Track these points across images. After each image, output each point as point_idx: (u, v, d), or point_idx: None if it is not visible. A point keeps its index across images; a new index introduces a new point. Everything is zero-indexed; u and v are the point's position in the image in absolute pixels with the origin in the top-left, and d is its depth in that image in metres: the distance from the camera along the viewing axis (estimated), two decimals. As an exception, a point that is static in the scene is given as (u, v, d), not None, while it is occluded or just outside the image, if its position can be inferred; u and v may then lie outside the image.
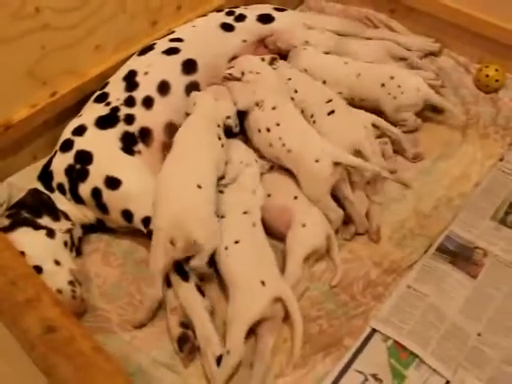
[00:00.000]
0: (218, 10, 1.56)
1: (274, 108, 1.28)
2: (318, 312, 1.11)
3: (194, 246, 1.04)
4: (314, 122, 1.33)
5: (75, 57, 1.34)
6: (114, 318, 1.13)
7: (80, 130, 1.24)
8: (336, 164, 1.17)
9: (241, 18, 1.52)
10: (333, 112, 1.32)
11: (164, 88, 1.30)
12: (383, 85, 1.41)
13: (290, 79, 1.40)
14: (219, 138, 1.21)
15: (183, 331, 1.05)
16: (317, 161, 1.17)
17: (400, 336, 1.06)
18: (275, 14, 1.56)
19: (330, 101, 1.35)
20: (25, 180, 1.32)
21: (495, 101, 1.52)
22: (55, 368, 0.83)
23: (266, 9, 1.58)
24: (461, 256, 1.19)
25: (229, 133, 1.27)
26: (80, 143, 1.22)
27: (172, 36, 1.43)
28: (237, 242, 1.10)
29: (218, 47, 1.44)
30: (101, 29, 1.36)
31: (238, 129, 1.29)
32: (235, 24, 1.50)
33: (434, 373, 1.01)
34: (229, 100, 1.28)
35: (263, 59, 1.42)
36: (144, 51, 1.38)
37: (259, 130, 1.28)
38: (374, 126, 1.36)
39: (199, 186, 1.10)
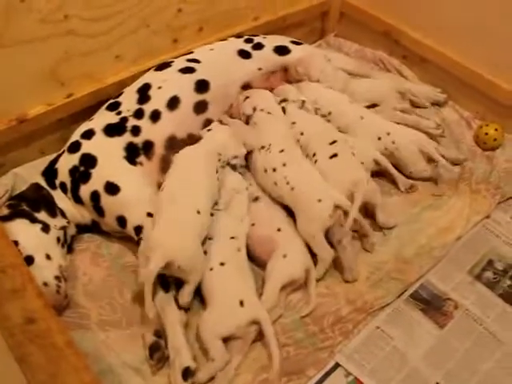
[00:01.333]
0: (238, 36, 1.63)
1: (281, 151, 1.33)
2: (286, 339, 1.15)
3: (178, 270, 1.09)
4: (316, 161, 1.38)
5: (95, 63, 1.42)
6: (94, 316, 1.18)
7: (89, 134, 1.31)
8: (336, 207, 1.23)
9: (258, 46, 1.59)
10: (335, 155, 1.36)
11: (173, 103, 1.37)
12: (379, 138, 1.47)
13: (294, 123, 1.45)
14: (216, 171, 1.27)
15: (156, 340, 1.10)
16: (319, 200, 1.23)
17: (361, 373, 1.10)
18: (291, 46, 1.63)
19: (334, 142, 1.40)
20: (30, 172, 1.39)
21: (491, 159, 1.57)
22: (28, 357, 0.88)
23: (284, 41, 1.65)
24: (432, 305, 1.23)
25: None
26: (87, 147, 1.29)
27: (190, 56, 1.50)
28: (222, 264, 1.16)
29: (233, 72, 1.51)
30: (123, 40, 1.43)
31: (242, 170, 1.35)
32: (252, 52, 1.57)
33: (387, 413, 1.06)
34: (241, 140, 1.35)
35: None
36: (161, 67, 1.45)
37: (265, 170, 1.34)
38: (376, 162, 1.43)
39: (198, 212, 1.16)
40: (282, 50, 1.61)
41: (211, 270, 1.15)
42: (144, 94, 1.37)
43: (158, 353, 1.08)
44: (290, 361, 1.12)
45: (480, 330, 1.19)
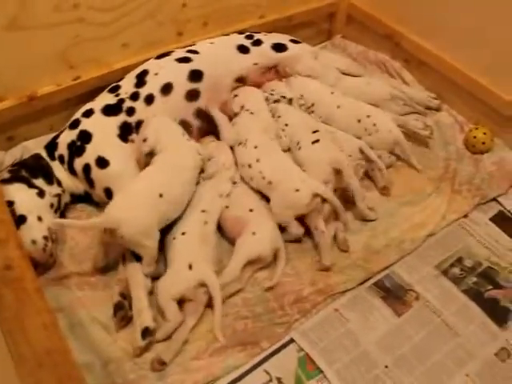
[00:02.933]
0: (240, 33, 1.72)
1: (255, 147, 1.42)
2: (246, 312, 1.22)
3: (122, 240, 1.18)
4: (300, 148, 1.46)
5: (103, 50, 1.55)
6: (74, 277, 1.29)
7: (88, 113, 1.44)
8: (315, 196, 1.29)
9: (257, 42, 1.68)
10: (317, 141, 1.44)
11: (167, 89, 1.47)
12: (359, 121, 1.53)
13: (280, 116, 1.54)
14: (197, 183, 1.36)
15: (120, 300, 1.20)
16: (297, 190, 1.30)
17: (312, 350, 1.16)
18: (290, 44, 1.71)
19: (316, 131, 1.48)
20: (38, 146, 1.52)
21: (478, 162, 1.59)
22: (1, 297, 1.00)
23: (283, 39, 1.73)
24: (393, 294, 1.27)
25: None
26: (85, 124, 1.41)
27: (190, 48, 1.60)
28: (183, 234, 1.25)
29: (228, 65, 1.60)
30: (130, 30, 1.56)
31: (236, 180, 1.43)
32: (251, 47, 1.66)
33: (332, 389, 1.11)
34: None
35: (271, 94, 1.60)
36: (161, 56, 1.56)
37: (242, 166, 1.43)
38: (360, 151, 1.47)
39: (161, 195, 1.23)
40: (279, 48, 1.69)
41: (174, 239, 1.24)
42: (141, 79, 1.49)
43: (120, 312, 1.18)
44: (246, 332, 1.19)
45: (437, 321, 1.22)
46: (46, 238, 1.27)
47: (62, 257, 1.33)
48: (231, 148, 1.49)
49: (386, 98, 1.70)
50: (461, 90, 1.70)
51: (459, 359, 1.16)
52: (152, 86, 1.47)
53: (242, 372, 1.13)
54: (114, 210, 1.20)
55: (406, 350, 1.17)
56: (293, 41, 1.74)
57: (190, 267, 1.18)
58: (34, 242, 1.24)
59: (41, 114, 1.54)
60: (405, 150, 1.55)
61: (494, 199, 1.51)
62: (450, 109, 1.76)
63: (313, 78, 1.68)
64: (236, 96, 1.55)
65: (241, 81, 1.63)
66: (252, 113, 1.50)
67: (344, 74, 1.76)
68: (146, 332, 1.13)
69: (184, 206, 1.30)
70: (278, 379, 1.12)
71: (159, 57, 1.56)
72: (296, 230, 1.32)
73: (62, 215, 1.41)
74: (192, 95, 1.50)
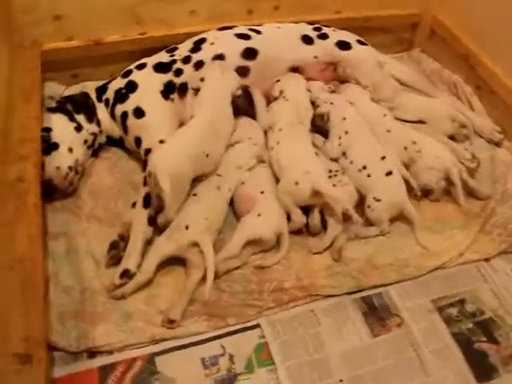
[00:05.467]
0: (309, 23, 1.71)
1: (280, 129, 1.42)
2: (226, 287, 1.23)
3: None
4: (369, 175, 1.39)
5: (171, 12, 1.63)
6: (87, 209, 1.39)
7: (141, 66, 1.53)
8: (315, 190, 1.28)
9: (323, 36, 1.66)
10: (390, 173, 1.38)
11: (218, 59, 1.51)
12: (406, 148, 1.45)
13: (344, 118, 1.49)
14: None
15: (117, 240, 1.27)
16: (296, 183, 1.29)
17: (273, 340, 1.14)
18: (355, 45, 1.66)
19: (384, 158, 1.41)
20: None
21: (522, 208, 1.45)
22: (5, 204, 1.11)
23: (350, 38, 1.69)
24: (377, 313, 1.21)
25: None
26: (135, 75, 1.51)
27: (254, 27, 1.62)
28: (194, 195, 1.29)
29: (287, 51, 1.60)
30: (199, -1, 1.62)
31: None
32: (316, 39, 1.64)
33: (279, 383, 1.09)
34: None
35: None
36: (223, 28, 1.60)
37: (268, 148, 1.44)
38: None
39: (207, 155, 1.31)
40: (343, 45, 1.65)
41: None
42: (198, 45, 1.54)
43: (113, 251, 1.25)
44: (218, 305, 1.20)
45: (411, 354, 1.15)
46: (70, 167, 1.37)
47: (83, 189, 1.43)
48: (264, 132, 1.50)
49: (443, 117, 1.61)
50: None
51: (418, 400, 1.08)
52: (205, 54, 1.52)
53: (199, 339, 1.15)
54: (157, 153, 1.27)
55: (367, 372, 1.11)
56: (359, 41, 1.69)
57: (187, 228, 1.21)
58: (58, 168, 1.35)
59: (104, 59, 1.66)
60: (454, 180, 1.42)
61: (526, 251, 1.37)
62: (511, 147, 1.62)
63: (370, 86, 1.61)
64: (278, 81, 1.55)
65: (295, 70, 1.61)
66: (287, 100, 1.49)
67: (405, 85, 1.68)
68: (125, 273, 1.19)
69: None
70: (231, 356, 1.12)
71: (221, 29, 1.61)
72: (297, 217, 1.30)
73: (95, 153, 1.51)
74: (241, 71, 1.52)
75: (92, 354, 1.11)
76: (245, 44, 1.55)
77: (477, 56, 1.71)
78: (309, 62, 1.62)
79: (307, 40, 1.63)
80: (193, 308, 1.18)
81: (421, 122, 1.65)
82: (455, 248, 1.35)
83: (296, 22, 1.71)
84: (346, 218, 1.35)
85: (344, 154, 1.46)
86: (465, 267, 1.33)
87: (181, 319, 1.16)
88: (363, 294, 1.25)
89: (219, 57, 1.51)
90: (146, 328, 1.15)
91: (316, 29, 1.68)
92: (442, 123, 1.61)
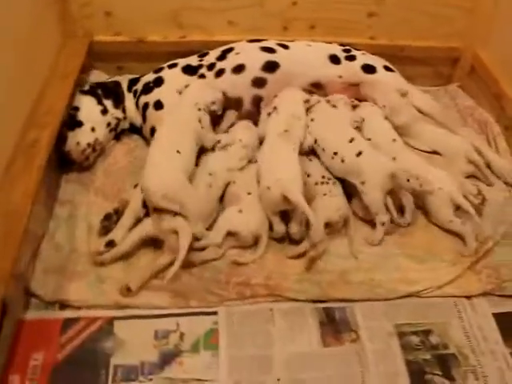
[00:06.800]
0: (342, 45, 1.76)
1: (267, 140, 1.47)
2: (197, 271, 1.29)
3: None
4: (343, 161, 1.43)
5: (211, 21, 1.77)
6: (97, 184, 1.52)
7: (172, 65, 1.67)
8: (284, 197, 1.30)
9: (351, 58, 1.70)
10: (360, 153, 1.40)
11: (238, 69, 1.61)
12: (408, 180, 1.42)
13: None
14: (199, 121, 1.46)
15: (111, 213, 1.38)
16: (268, 188, 1.33)
17: (223, 330, 1.18)
18: (380, 69, 1.69)
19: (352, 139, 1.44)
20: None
21: (523, 255, 1.37)
22: (15, 163, 1.27)
23: (378, 62, 1.71)
24: (334, 326, 1.21)
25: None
26: (165, 72, 1.65)
27: (284, 42, 1.71)
28: None
29: (310, 68, 1.65)
30: (238, 11, 1.75)
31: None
32: (343, 60, 1.69)
33: (218, 368, 1.12)
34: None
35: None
36: (253, 40, 1.70)
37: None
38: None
39: (178, 152, 1.35)
40: (369, 69, 1.68)
41: None
42: (224, 54, 1.66)
43: (105, 222, 1.36)
44: (184, 286, 1.25)
45: (357, 371, 1.13)
46: (89, 144, 1.53)
47: (99, 167, 1.58)
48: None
49: (459, 155, 1.58)
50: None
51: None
52: (227, 63, 1.62)
53: (158, 313, 1.22)
54: (143, 181, 1.31)
55: (308, 378, 1.11)
56: (386, 67, 1.71)
57: (174, 215, 1.29)
58: (77, 143, 1.51)
59: (147, 56, 1.83)
60: (463, 205, 1.38)
61: (513, 298, 1.29)
62: (529, 192, 1.54)
63: (387, 109, 1.62)
64: (276, 96, 1.57)
65: (317, 86, 1.67)
66: (277, 114, 1.52)
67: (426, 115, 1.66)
68: (110, 243, 1.30)
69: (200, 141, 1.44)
70: (181, 334, 1.18)
71: (251, 41, 1.71)
72: (275, 225, 1.34)
73: (117, 137, 1.67)
74: (258, 82, 1.60)
75: (63, 306, 1.22)
76: (267, 57, 1.63)
77: (509, 97, 1.65)
78: (332, 79, 1.67)
79: (334, 59, 1.69)
80: (160, 283, 1.26)
81: (436, 152, 1.63)
82: (435, 280, 1.31)
83: (329, 43, 1.77)
84: (333, 229, 1.38)
85: (316, 141, 1.49)
86: (441, 300, 1.28)
87: (144, 288, 1.24)
88: (327, 305, 1.26)
89: (240, 67, 1.61)
90: (114, 294, 1.24)
91: (346, 50, 1.73)
92: (458, 161, 1.57)
